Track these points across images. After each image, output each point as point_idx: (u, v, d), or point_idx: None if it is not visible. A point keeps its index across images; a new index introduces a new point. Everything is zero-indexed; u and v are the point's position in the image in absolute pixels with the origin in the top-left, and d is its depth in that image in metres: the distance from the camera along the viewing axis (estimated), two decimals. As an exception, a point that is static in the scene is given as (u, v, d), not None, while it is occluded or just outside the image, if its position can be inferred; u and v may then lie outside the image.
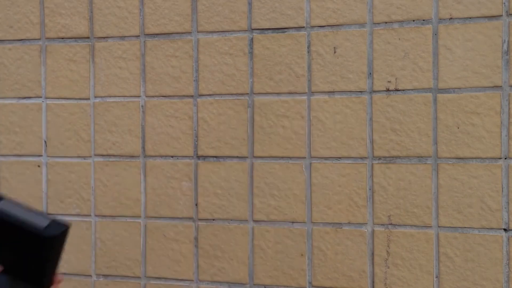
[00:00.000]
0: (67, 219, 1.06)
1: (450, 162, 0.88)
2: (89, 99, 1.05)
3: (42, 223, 0.68)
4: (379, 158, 0.91)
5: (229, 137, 0.98)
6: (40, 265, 0.70)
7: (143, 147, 1.01)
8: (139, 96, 1.02)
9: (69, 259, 1.06)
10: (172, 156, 0.99)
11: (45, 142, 1.05)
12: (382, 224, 0.91)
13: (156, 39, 1.01)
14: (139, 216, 1.03)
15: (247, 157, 0.97)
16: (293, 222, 0.95)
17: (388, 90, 0.91)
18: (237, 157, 0.97)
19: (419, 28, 0.89)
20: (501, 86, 0.86)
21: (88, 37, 1.04)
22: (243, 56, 0.97)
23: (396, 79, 0.91)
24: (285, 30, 0.95)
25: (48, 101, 1.05)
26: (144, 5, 1.02)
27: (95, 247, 1.05)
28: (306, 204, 0.95)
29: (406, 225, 0.90)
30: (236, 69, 0.97)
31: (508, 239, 0.86)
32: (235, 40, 0.98)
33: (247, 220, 0.98)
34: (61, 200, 1.03)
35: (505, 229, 0.86)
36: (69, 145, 1.04)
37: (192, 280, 1.00)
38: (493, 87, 0.87)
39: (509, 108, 0.86)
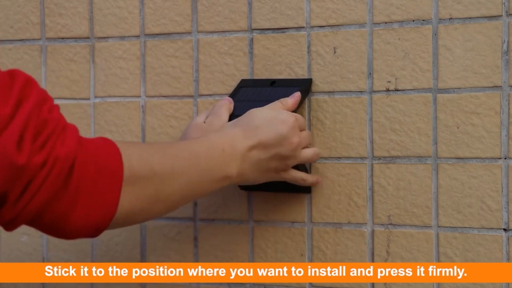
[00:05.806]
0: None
1: (450, 162, 0.88)
2: (89, 99, 1.05)
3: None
4: (379, 158, 0.91)
5: (229, 137, 0.97)
6: None
7: (143, 147, 1.00)
8: (139, 96, 1.02)
9: (70, 260, 1.06)
10: (172, 156, 0.99)
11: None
12: (382, 224, 0.91)
13: (156, 39, 1.01)
14: (139, 216, 1.03)
15: (247, 157, 0.97)
16: (293, 222, 0.95)
17: (388, 90, 0.91)
18: (237, 157, 0.97)
19: (419, 28, 0.89)
20: (501, 86, 0.86)
21: (88, 37, 1.04)
22: (243, 56, 0.97)
23: (396, 79, 0.91)
24: (285, 30, 0.95)
25: (48, 101, 1.05)
26: (144, 5, 1.02)
27: (96, 247, 1.05)
28: (306, 204, 0.95)
29: (406, 225, 0.91)
30: (236, 69, 0.97)
31: (508, 239, 0.86)
32: (235, 40, 0.98)
33: (247, 220, 0.98)
34: (61, 200, 1.03)
35: (505, 229, 0.86)
36: (69, 145, 1.03)
37: (192, 280, 1.00)
38: (493, 87, 0.86)
39: (509, 108, 0.86)
